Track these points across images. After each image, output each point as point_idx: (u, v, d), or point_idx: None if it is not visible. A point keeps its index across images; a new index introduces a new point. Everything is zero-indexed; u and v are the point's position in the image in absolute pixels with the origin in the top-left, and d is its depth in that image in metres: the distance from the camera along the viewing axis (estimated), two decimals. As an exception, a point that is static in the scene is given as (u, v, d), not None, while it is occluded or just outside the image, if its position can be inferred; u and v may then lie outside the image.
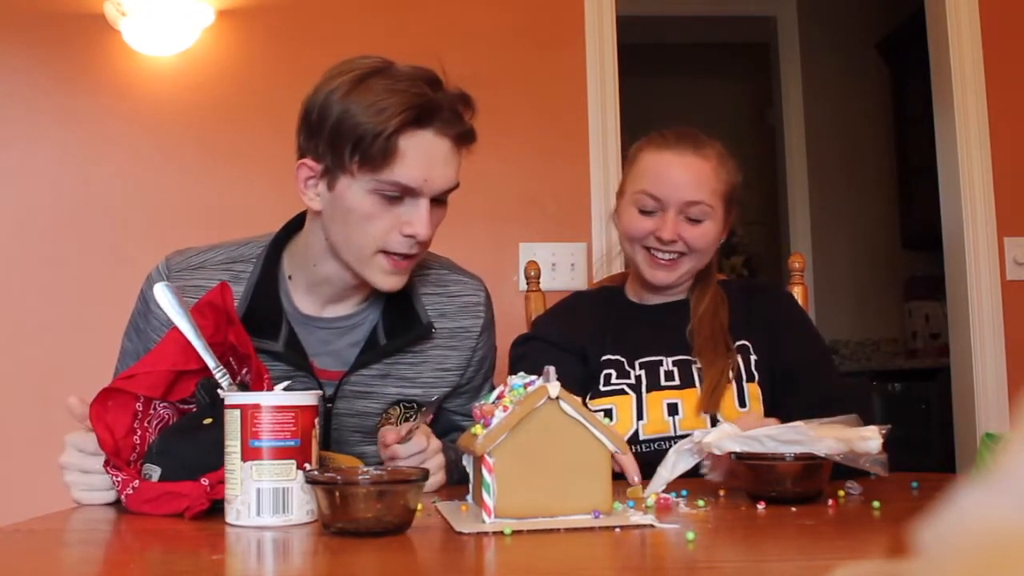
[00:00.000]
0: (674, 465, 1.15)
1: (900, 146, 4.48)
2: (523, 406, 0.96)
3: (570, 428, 0.97)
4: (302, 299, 1.41)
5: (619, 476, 1.14)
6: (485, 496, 0.96)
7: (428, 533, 0.94)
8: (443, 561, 0.86)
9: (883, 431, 1.11)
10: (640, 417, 1.45)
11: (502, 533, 0.91)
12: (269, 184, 2.33)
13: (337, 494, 0.92)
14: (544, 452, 0.97)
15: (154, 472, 1.10)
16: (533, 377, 1.01)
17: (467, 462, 1.09)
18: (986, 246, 2.57)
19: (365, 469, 1.07)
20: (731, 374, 1.46)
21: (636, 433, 1.43)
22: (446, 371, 1.45)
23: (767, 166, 4.71)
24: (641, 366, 1.50)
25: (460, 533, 0.91)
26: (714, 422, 1.39)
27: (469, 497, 1.08)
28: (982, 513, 0.34)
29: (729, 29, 4.74)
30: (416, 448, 1.25)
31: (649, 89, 4.41)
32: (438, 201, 1.33)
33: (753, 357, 1.49)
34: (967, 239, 2.58)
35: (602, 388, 1.49)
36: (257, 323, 1.23)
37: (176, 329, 1.18)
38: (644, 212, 1.52)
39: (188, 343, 1.16)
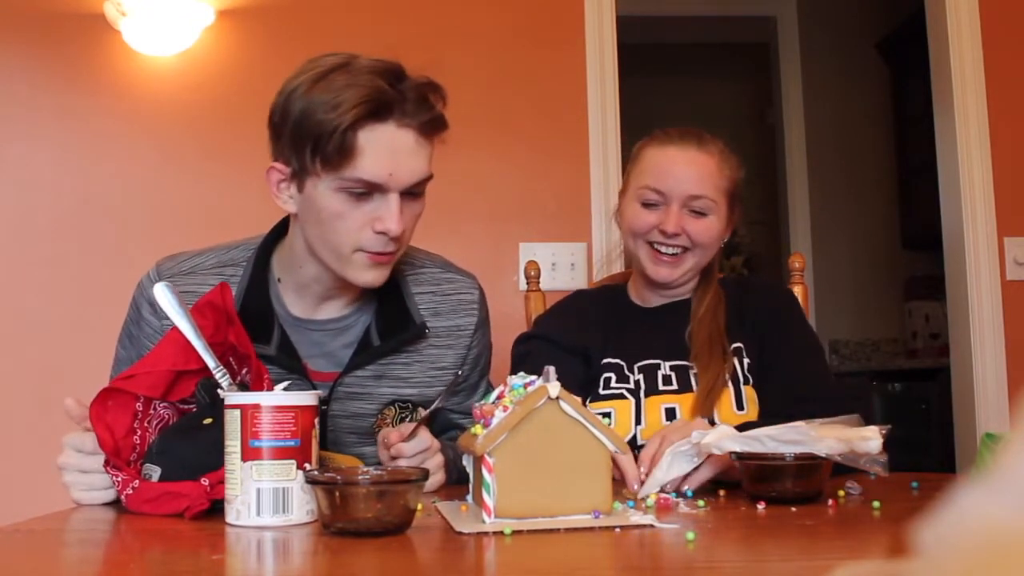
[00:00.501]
0: (669, 467, 1.15)
1: (900, 146, 4.48)
2: (523, 406, 0.96)
3: (570, 428, 0.97)
4: (293, 301, 1.40)
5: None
6: (485, 496, 0.96)
7: (428, 533, 0.93)
8: (443, 561, 0.86)
9: (883, 431, 1.11)
10: (638, 422, 1.45)
11: (502, 533, 0.91)
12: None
13: (337, 494, 0.92)
14: (544, 452, 0.97)
15: (154, 472, 1.10)
16: (533, 377, 1.01)
17: (467, 462, 1.09)
18: (986, 246, 2.57)
19: (365, 469, 1.08)
20: (727, 377, 1.45)
21: (634, 437, 1.43)
22: (441, 370, 1.44)
23: (767, 166, 4.71)
24: (640, 370, 1.50)
25: (460, 533, 0.91)
26: (711, 425, 1.39)
27: (469, 497, 1.08)
28: (982, 513, 0.34)
29: (729, 29, 4.74)
30: (421, 446, 1.24)
31: (649, 89, 4.42)
32: (412, 195, 1.30)
33: (747, 360, 1.49)
34: (967, 239, 2.58)
35: (601, 392, 1.49)
36: (249, 327, 1.22)
37: (176, 329, 1.18)
38: (647, 206, 1.51)
39: (188, 343, 1.16)
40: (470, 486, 1.08)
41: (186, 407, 1.21)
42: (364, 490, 0.94)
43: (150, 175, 2.42)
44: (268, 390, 1.12)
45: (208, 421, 1.12)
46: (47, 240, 2.38)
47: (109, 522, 1.08)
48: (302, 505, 0.99)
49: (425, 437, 1.25)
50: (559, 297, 1.73)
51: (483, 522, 0.95)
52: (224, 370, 1.16)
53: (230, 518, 0.99)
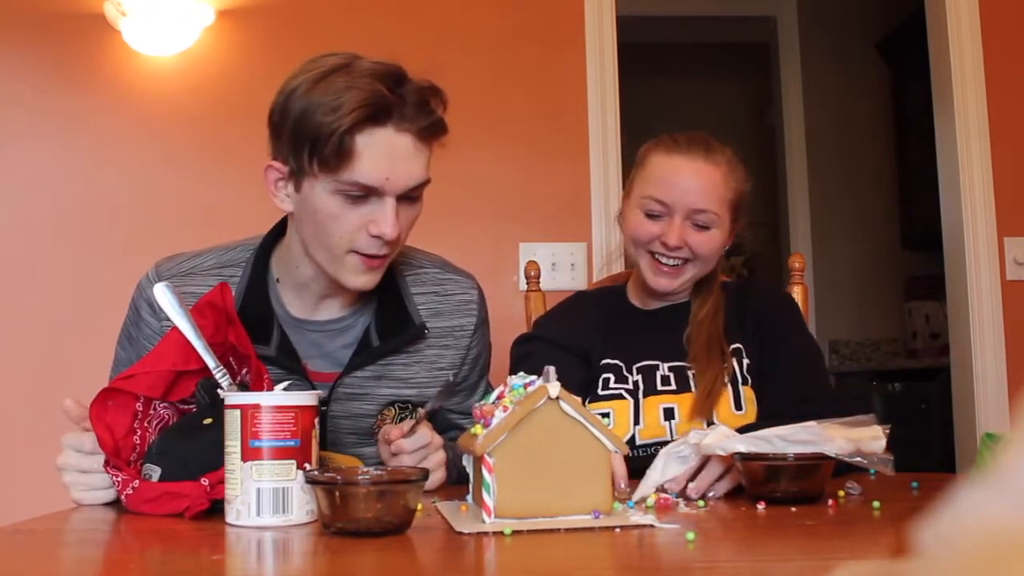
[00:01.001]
0: (663, 469, 1.15)
1: (900, 146, 4.47)
2: (523, 406, 0.96)
3: (570, 428, 0.97)
4: (292, 302, 1.40)
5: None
6: (485, 496, 0.96)
7: (428, 533, 0.93)
8: (443, 561, 0.86)
9: (884, 431, 1.11)
10: (637, 422, 1.45)
11: (502, 533, 0.91)
12: (269, 184, 2.33)
13: (337, 494, 0.92)
14: (544, 452, 0.97)
15: (154, 472, 1.10)
16: (533, 377, 1.01)
17: (467, 462, 1.09)
18: (986, 246, 2.57)
19: (365, 469, 1.08)
20: (726, 379, 1.45)
21: (633, 438, 1.43)
22: (440, 371, 1.44)
23: (767, 166, 4.70)
24: (639, 371, 1.50)
25: (460, 533, 0.91)
26: (709, 425, 1.39)
27: (469, 497, 1.08)
28: (982, 513, 0.34)
29: (729, 29, 4.74)
30: (422, 442, 1.24)
31: (649, 89, 4.42)
32: (409, 198, 1.30)
33: (746, 361, 1.49)
34: (967, 239, 2.58)
35: (600, 392, 1.49)
36: (248, 327, 1.22)
37: (176, 329, 1.18)
38: (650, 216, 1.51)
39: (188, 343, 1.16)
40: (470, 486, 1.08)
41: (186, 407, 1.21)
42: (364, 490, 0.94)
43: (150, 175, 2.42)
44: (268, 390, 1.12)
45: (208, 421, 1.12)
46: (47, 240, 2.38)
47: (109, 522, 1.08)
48: (302, 505, 0.99)
49: (426, 433, 1.25)
50: (559, 297, 1.73)
51: (483, 522, 0.95)
52: (224, 370, 1.16)
53: (230, 518, 0.99)
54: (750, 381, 1.47)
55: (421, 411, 1.35)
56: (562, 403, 0.97)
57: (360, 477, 0.98)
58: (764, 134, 4.96)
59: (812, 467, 1.09)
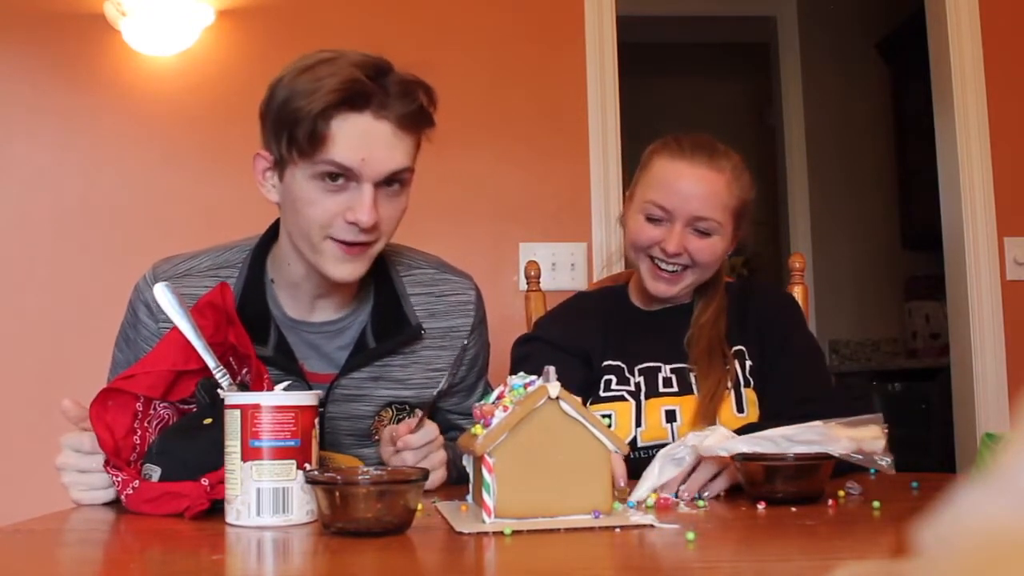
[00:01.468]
0: (660, 472, 1.15)
1: (900, 146, 4.47)
2: (523, 406, 0.96)
3: (570, 428, 0.97)
4: (287, 302, 1.40)
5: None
6: (485, 496, 0.96)
7: (428, 533, 0.94)
8: (443, 561, 0.86)
9: (884, 430, 1.11)
10: (639, 424, 1.44)
11: (502, 533, 0.91)
12: (269, 184, 2.33)
13: (337, 494, 0.92)
14: (544, 452, 0.97)
15: (154, 472, 1.10)
16: (533, 377, 1.01)
17: (467, 462, 1.09)
18: (986, 246, 2.57)
19: (365, 469, 1.08)
20: (729, 382, 1.45)
21: (634, 440, 1.43)
22: (437, 371, 1.44)
23: (767, 166, 4.70)
24: (640, 372, 1.50)
25: (460, 533, 0.91)
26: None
27: (469, 497, 1.08)
28: (982, 513, 0.34)
29: (729, 29, 4.74)
30: (428, 436, 1.24)
31: (649, 89, 4.42)
32: (390, 187, 1.29)
33: (748, 363, 1.49)
34: (967, 239, 2.58)
35: (602, 394, 1.48)
36: (246, 328, 1.22)
37: (176, 329, 1.18)
38: (651, 220, 1.50)
39: (188, 343, 1.16)
40: (470, 486, 1.08)
41: (186, 407, 1.21)
42: (364, 490, 0.94)
43: (150, 175, 2.42)
44: (268, 390, 1.12)
45: (208, 421, 1.12)
46: (47, 240, 2.38)
47: (109, 522, 1.08)
48: (302, 505, 0.99)
49: (433, 427, 1.26)
50: (559, 297, 1.73)
51: (483, 522, 0.95)
52: (224, 370, 1.16)
53: (230, 518, 0.99)
54: (752, 383, 1.47)
55: (419, 412, 1.35)
56: (562, 403, 0.97)
57: (360, 477, 0.99)
58: (764, 134, 4.96)
59: (812, 467, 1.09)
